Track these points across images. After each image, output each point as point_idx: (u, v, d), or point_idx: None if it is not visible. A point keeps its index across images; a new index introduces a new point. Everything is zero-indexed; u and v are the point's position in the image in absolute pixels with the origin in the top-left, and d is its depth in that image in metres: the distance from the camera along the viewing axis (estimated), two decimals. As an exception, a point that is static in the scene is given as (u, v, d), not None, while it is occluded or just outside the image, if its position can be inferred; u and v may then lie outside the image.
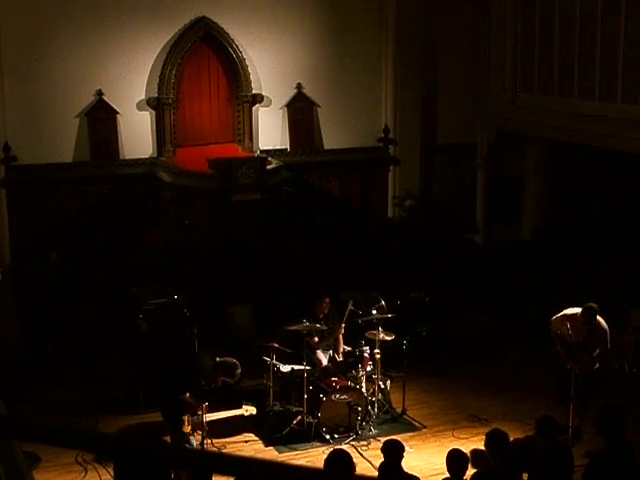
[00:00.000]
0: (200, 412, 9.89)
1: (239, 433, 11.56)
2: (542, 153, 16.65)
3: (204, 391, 9.93)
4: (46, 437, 2.11)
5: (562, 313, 11.24)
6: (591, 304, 11.00)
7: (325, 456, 10.54)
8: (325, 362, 12.00)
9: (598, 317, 11.01)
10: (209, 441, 10.73)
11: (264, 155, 15.21)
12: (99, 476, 10.32)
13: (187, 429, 9.90)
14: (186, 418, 9.84)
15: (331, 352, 12.14)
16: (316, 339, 12.05)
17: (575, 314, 11.10)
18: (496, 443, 8.35)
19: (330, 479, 1.99)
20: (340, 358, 12.02)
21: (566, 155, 15.90)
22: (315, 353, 12.02)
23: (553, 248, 15.37)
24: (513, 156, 16.79)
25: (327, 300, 12.18)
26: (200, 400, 9.87)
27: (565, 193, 16.24)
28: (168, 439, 9.87)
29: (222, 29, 15.28)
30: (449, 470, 8.10)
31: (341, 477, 2.02)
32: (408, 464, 8.94)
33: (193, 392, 9.83)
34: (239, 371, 10.19)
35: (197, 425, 9.93)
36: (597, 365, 11.08)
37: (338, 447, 9.79)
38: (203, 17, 15.20)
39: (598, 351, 11.05)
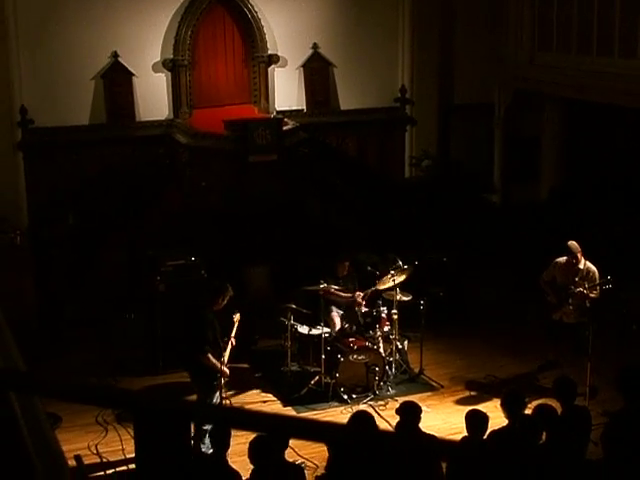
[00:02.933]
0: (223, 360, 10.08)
1: (257, 394, 11.63)
2: (560, 112, 16.51)
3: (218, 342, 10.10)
4: (70, 393, 2.11)
5: (552, 263, 11.80)
6: (569, 242, 11.58)
7: (343, 416, 10.68)
8: (339, 326, 12.01)
9: (587, 262, 11.49)
10: (228, 402, 10.81)
11: (280, 116, 15.15)
12: (119, 436, 10.41)
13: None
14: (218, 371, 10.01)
15: (344, 311, 12.18)
16: (333, 288, 11.95)
17: (565, 259, 11.63)
18: (512, 403, 8.37)
19: (354, 434, 2.00)
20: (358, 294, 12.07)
21: (584, 114, 15.77)
22: (330, 315, 12.03)
23: (570, 207, 15.30)
24: (531, 115, 16.66)
25: (347, 264, 12.21)
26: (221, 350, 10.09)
27: (583, 152, 16.12)
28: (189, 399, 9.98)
29: (237, -11, 15.17)
30: (468, 430, 8.12)
31: (365, 433, 2.03)
32: (426, 423, 8.97)
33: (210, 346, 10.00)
34: (228, 285, 10.38)
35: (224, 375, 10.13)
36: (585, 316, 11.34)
37: (362, 409, 9.82)
38: (218, -23, 15.10)
39: (588, 304, 11.29)
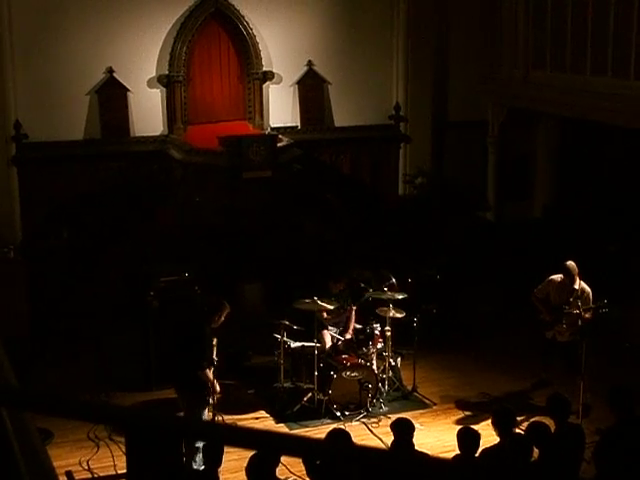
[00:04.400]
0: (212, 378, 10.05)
1: (250, 410, 11.60)
2: (554, 130, 16.57)
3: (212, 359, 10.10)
4: (62, 409, 2.11)
5: (547, 280, 11.75)
6: (567, 262, 11.52)
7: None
8: (329, 344, 11.97)
9: (582, 282, 11.48)
10: (220, 418, 10.79)
11: (275, 132, 15.18)
12: (111, 452, 10.37)
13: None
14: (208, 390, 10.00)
15: (340, 330, 12.14)
16: (325, 314, 12.02)
17: (560, 277, 11.58)
18: (503, 421, 8.35)
19: (332, 450, 1.99)
20: (348, 336, 12.03)
21: (578, 132, 15.83)
22: (321, 332, 12.00)
23: (564, 225, 15.33)
24: (524, 133, 16.72)
25: (343, 284, 12.18)
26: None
27: (576, 171, 16.17)
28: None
29: (233, 5, 15.21)
30: (460, 448, 8.10)
31: (342, 448, 2.03)
32: (418, 441, 8.96)
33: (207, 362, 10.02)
34: (225, 302, 10.39)
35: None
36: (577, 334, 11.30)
37: (336, 427, 9.81)
38: (214, -6, 15.13)
39: (580, 323, 11.22)
